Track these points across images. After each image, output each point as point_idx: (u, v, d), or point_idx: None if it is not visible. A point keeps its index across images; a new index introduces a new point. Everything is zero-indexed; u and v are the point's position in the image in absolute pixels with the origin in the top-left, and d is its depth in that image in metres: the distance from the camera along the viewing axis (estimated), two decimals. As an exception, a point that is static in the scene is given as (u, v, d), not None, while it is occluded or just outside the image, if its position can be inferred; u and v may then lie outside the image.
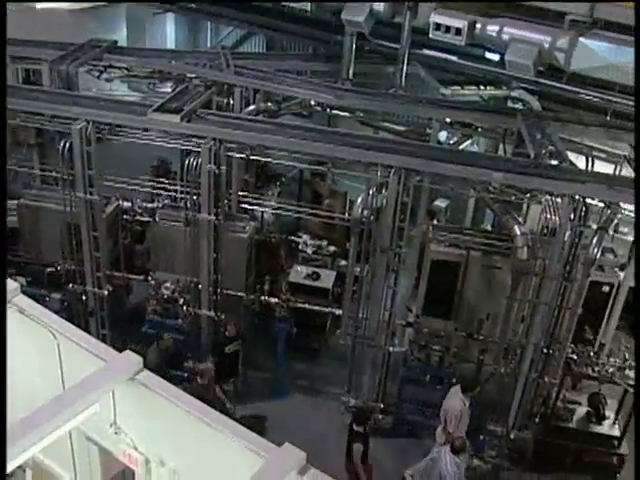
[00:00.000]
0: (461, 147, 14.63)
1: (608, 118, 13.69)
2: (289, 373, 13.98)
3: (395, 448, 12.93)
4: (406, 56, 15.12)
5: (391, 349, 12.56)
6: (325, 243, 14.87)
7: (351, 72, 15.21)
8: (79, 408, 5.69)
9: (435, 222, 15.68)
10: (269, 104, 14.36)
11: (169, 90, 14.06)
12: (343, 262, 14.44)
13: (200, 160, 11.54)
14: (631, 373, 12.22)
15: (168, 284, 13.04)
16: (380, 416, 13.08)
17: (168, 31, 24.33)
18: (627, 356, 12.29)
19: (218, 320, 12.71)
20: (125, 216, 13.88)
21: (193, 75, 14.06)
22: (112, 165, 12.70)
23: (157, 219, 13.39)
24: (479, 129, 14.72)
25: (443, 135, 15.13)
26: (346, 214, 14.96)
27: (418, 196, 13.33)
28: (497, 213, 12.54)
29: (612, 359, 12.29)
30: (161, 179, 14.61)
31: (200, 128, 11.74)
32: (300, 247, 14.98)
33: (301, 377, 14.14)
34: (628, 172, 13.45)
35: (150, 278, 13.40)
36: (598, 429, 12.50)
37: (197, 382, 11.47)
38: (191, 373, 12.14)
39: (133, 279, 13.93)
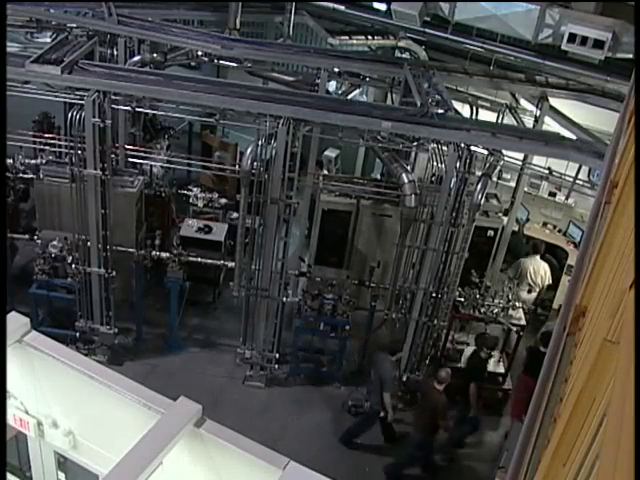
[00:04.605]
0: (350, 97, 14.71)
1: (491, 68, 14.02)
2: (184, 328, 13.93)
3: (291, 397, 13.17)
4: (294, 5, 14.99)
5: (285, 299, 12.67)
6: (216, 196, 14.75)
7: (238, 22, 14.94)
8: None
9: (325, 172, 15.81)
10: (155, 55, 13.97)
11: (48, 40, 13.49)
12: (235, 214, 14.41)
13: (84, 113, 11.19)
14: (514, 313, 12.81)
15: (55, 242, 12.69)
16: (276, 366, 13.26)
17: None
18: (510, 297, 12.87)
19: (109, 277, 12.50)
20: (7, 174, 13.37)
21: (74, 24, 13.51)
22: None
23: (41, 176, 12.99)
24: (367, 79, 14.81)
25: (332, 85, 15.16)
26: (237, 166, 14.85)
27: (308, 146, 13.37)
28: (386, 162, 12.74)
29: (496, 300, 12.84)
30: (44, 134, 14.10)
31: (82, 80, 11.31)
32: (191, 200, 14.81)
33: (196, 331, 14.13)
34: (510, 120, 13.90)
35: (36, 237, 13.02)
36: (485, 367, 13.04)
37: (434, 387, 11.21)
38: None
39: (18, 239, 13.55)
